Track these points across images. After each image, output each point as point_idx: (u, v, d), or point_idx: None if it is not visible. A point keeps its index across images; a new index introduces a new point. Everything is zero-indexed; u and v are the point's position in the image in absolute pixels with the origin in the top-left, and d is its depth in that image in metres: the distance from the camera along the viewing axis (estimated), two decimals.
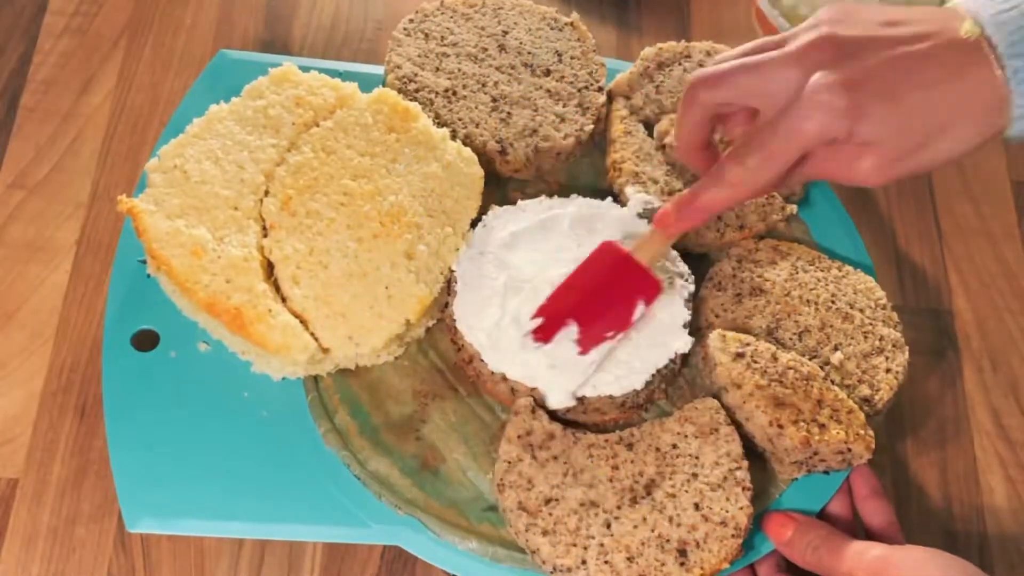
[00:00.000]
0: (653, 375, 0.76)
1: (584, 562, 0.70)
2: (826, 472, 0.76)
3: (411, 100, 0.86)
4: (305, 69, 0.85)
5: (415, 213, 0.78)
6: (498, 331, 0.76)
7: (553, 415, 0.76)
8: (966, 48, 0.62)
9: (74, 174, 0.91)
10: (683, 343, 0.77)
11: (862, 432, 0.73)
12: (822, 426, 0.73)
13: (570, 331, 0.75)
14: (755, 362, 0.76)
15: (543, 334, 0.75)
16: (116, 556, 0.77)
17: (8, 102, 0.94)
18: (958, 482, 0.86)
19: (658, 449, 0.74)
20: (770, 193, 0.84)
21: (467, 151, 0.82)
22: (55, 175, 0.90)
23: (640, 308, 0.76)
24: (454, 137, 0.85)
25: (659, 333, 0.77)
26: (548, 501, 0.72)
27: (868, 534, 0.76)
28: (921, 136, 0.62)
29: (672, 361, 0.77)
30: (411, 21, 0.91)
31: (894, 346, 0.80)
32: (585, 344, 0.75)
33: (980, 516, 0.84)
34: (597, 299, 0.76)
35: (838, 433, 0.73)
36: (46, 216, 0.89)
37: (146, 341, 0.80)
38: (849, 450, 0.73)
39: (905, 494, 0.85)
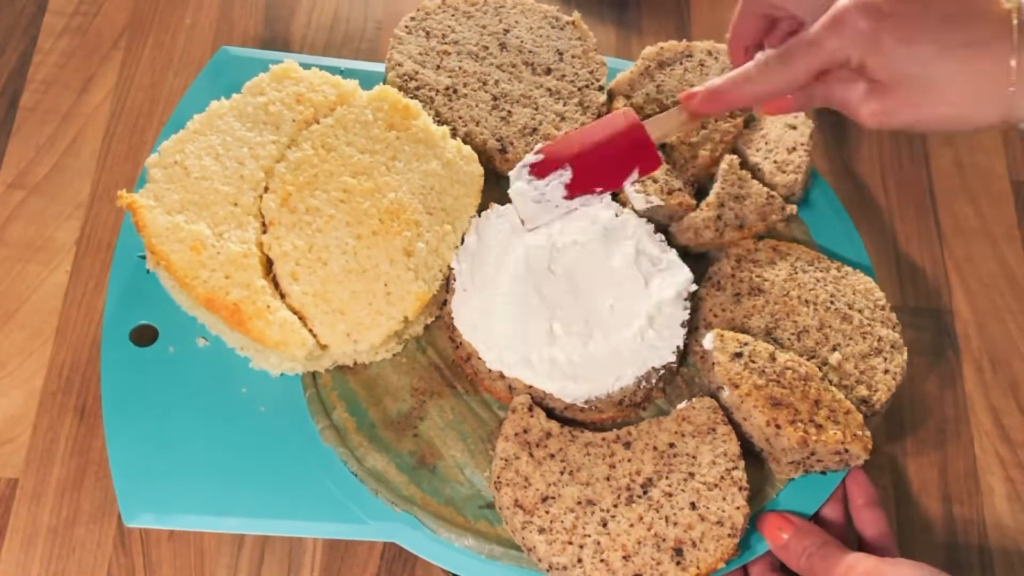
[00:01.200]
0: (649, 371, 0.76)
1: (580, 560, 0.70)
2: (823, 472, 0.76)
3: (412, 98, 0.86)
4: (306, 66, 0.85)
5: (414, 210, 0.78)
6: (496, 328, 0.76)
7: (551, 413, 0.76)
8: (999, 23, 0.60)
9: (74, 174, 0.91)
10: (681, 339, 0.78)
11: (859, 433, 0.73)
12: (819, 426, 0.73)
13: (564, 174, 0.77)
14: (753, 362, 0.76)
15: (540, 170, 0.77)
16: (116, 556, 0.77)
17: (8, 102, 0.94)
18: (958, 482, 0.85)
19: (655, 448, 0.74)
20: (789, 109, 0.83)
21: (467, 149, 0.82)
22: (55, 175, 0.91)
23: (634, 174, 0.78)
24: (454, 135, 0.85)
25: (658, 332, 0.77)
26: (545, 499, 0.72)
27: (861, 543, 0.76)
28: (922, 93, 0.62)
29: (670, 361, 0.77)
30: (412, 19, 0.91)
31: (892, 347, 0.80)
32: (573, 189, 0.78)
33: (980, 516, 0.84)
34: (597, 153, 0.78)
35: (835, 434, 0.73)
36: (46, 216, 0.89)
37: (145, 336, 0.80)
38: (846, 451, 0.73)
39: (905, 494, 0.85)
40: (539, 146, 0.79)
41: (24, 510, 0.78)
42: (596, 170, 0.78)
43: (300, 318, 0.75)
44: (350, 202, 0.78)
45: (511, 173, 0.79)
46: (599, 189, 0.79)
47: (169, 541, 0.78)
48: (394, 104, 0.82)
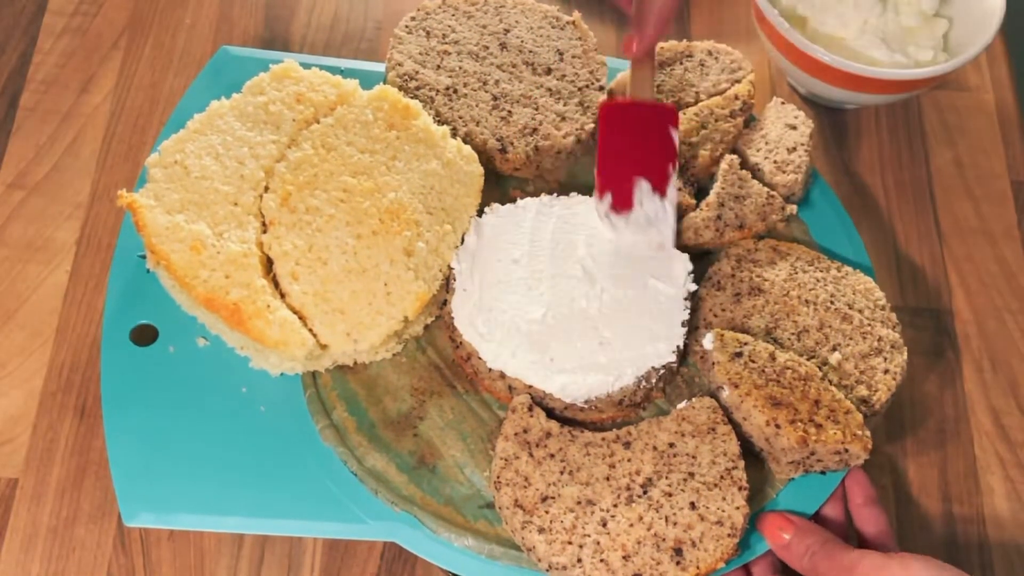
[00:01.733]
0: (649, 371, 0.76)
1: (580, 560, 0.70)
2: (823, 472, 0.76)
3: (412, 98, 0.86)
4: (306, 66, 0.85)
5: (414, 210, 0.78)
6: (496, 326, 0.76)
7: (551, 413, 0.76)
8: None
9: (74, 174, 0.91)
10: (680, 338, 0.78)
11: (859, 432, 0.73)
12: (819, 426, 0.73)
13: (642, 186, 0.78)
14: (753, 362, 0.76)
15: (622, 203, 0.78)
16: (116, 556, 0.77)
17: (8, 102, 0.94)
18: (958, 482, 0.85)
19: (655, 448, 0.74)
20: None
21: (467, 149, 0.82)
22: (55, 175, 0.91)
23: (675, 133, 0.80)
24: (454, 135, 0.85)
25: (657, 331, 0.77)
26: (544, 499, 0.72)
27: (861, 541, 0.76)
28: None
29: (670, 360, 0.77)
30: (413, 19, 0.91)
31: (892, 347, 0.80)
32: (660, 186, 0.78)
33: (980, 516, 0.84)
34: (639, 148, 0.79)
35: (835, 433, 0.73)
36: (46, 216, 0.89)
37: (145, 336, 0.80)
38: (846, 450, 0.73)
39: (905, 494, 0.85)
40: (596, 194, 0.80)
41: (24, 510, 0.78)
42: (655, 157, 0.79)
43: (300, 318, 0.75)
44: (350, 202, 0.78)
45: (609, 234, 0.79)
46: (670, 168, 0.79)
47: (169, 541, 0.78)
48: (394, 104, 0.82)
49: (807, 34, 0.93)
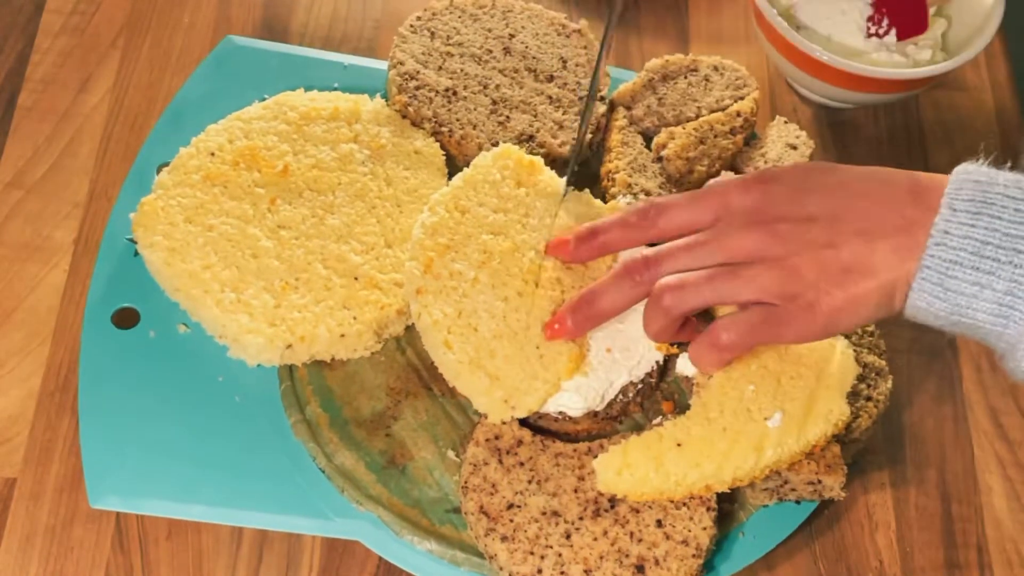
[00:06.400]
0: (627, 385, 0.76)
1: (540, 571, 0.70)
2: (797, 502, 0.76)
3: (411, 98, 0.86)
4: (310, 59, 0.85)
5: (555, 267, 0.77)
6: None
7: (524, 421, 0.76)
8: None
9: (72, 173, 0.91)
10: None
11: (834, 464, 0.73)
12: None
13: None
14: None
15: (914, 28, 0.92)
16: (114, 556, 0.77)
17: (5, 101, 0.94)
18: (957, 482, 0.85)
19: None
20: None
21: (597, 202, 0.81)
22: (52, 174, 0.91)
23: None
24: (450, 136, 0.85)
25: (637, 345, 0.77)
26: (510, 507, 0.72)
27: None
28: None
29: (649, 375, 0.77)
30: (418, 18, 0.91)
31: (877, 374, 0.79)
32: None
33: (979, 515, 0.84)
34: None
35: (809, 464, 0.72)
36: (44, 216, 0.89)
37: (127, 319, 0.81)
38: (820, 482, 0.72)
39: (904, 493, 0.85)
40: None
41: (22, 510, 0.78)
42: None
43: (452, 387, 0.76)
44: (490, 264, 0.77)
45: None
46: None
47: (167, 541, 0.78)
48: (519, 160, 0.81)
49: (804, 33, 0.93)
